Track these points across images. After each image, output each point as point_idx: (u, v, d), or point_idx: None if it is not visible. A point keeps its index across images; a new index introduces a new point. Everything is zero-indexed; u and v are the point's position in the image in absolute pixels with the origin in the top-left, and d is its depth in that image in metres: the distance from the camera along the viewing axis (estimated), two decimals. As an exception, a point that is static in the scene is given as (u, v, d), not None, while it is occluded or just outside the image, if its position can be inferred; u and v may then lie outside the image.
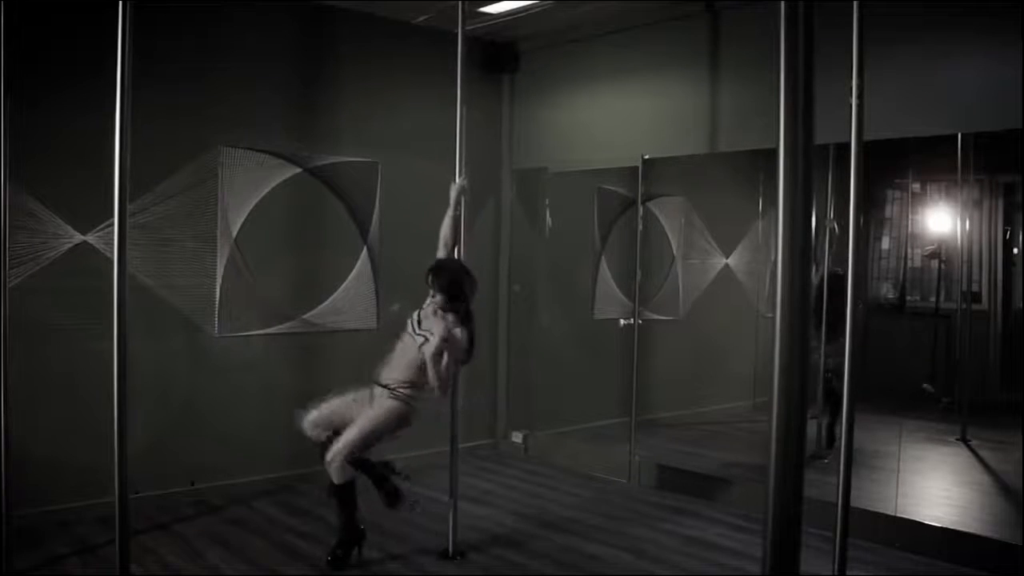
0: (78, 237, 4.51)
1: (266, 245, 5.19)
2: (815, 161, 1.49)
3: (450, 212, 4.09)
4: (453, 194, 4.11)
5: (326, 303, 5.46)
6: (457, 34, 4.14)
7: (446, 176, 4.19)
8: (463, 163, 4.16)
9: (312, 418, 3.99)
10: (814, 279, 5.39)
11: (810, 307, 1.53)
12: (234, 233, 5.08)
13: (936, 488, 5.13)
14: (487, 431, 6.47)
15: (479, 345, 4.04)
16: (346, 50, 5.54)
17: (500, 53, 6.26)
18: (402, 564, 4.04)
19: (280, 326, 5.27)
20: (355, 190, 5.57)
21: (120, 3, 2.68)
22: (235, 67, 5.07)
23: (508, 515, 4.82)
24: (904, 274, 5.97)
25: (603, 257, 6.54)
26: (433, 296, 3.90)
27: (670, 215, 6.61)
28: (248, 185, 5.12)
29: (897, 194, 6.01)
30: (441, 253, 4.08)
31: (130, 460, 2.77)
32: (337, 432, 3.92)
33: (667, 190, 6.39)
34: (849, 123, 3.03)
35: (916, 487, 4.99)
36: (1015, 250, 5.51)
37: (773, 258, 1.50)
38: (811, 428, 5.36)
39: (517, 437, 6.37)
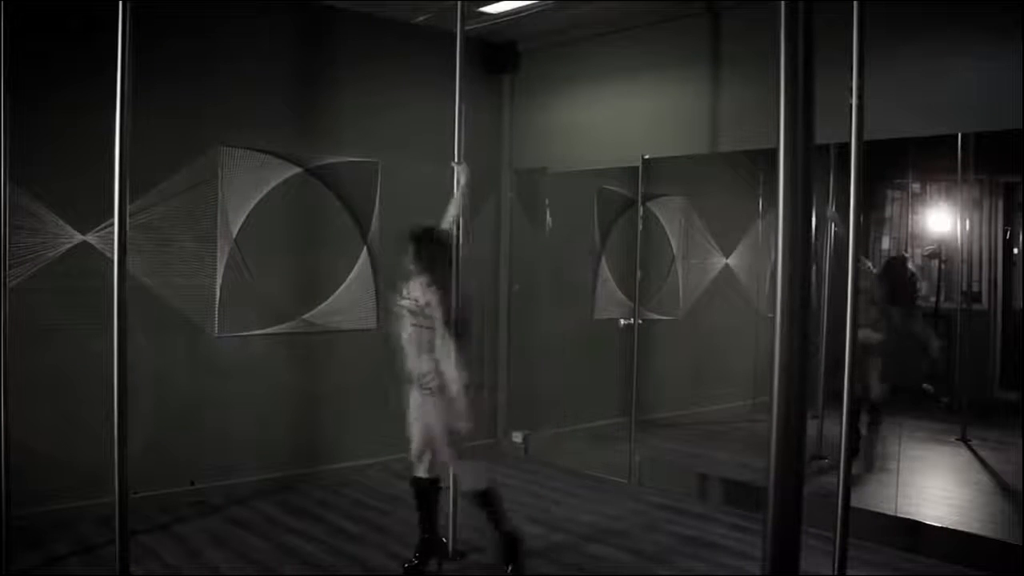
0: (78, 237, 4.51)
1: (266, 245, 5.19)
2: (815, 161, 1.49)
3: (459, 192, 3.98)
4: (463, 177, 4.02)
5: (326, 303, 5.46)
6: (457, 34, 4.14)
7: (446, 176, 4.18)
8: (461, 161, 4.15)
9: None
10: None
11: (810, 307, 1.52)
12: (234, 233, 5.07)
13: (936, 488, 5.13)
14: (487, 431, 6.46)
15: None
16: (346, 50, 5.54)
17: (500, 53, 6.26)
18: (402, 564, 4.03)
19: (280, 326, 5.27)
20: (355, 190, 5.57)
21: (120, 3, 2.68)
22: (235, 67, 5.07)
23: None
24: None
25: (603, 257, 6.54)
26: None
27: (670, 215, 6.60)
28: (248, 185, 5.12)
29: (897, 194, 6.01)
30: (445, 224, 3.92)
31: (130, 460, 2.78)
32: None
33: (667, 190, 6.39)
34: (849, 123, 3.03)
35: (916, 487, 4.98)
36: (1015, 250, 5.51)
37: (773, 258, 1.50)
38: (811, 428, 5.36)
39: (517, 437, 6.37)
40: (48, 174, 4.38)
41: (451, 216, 3.94)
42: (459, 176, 4.03)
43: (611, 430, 6.03)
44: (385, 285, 5.68)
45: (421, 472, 3.90)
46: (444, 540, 3.98)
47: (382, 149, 5.66)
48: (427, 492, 3.90)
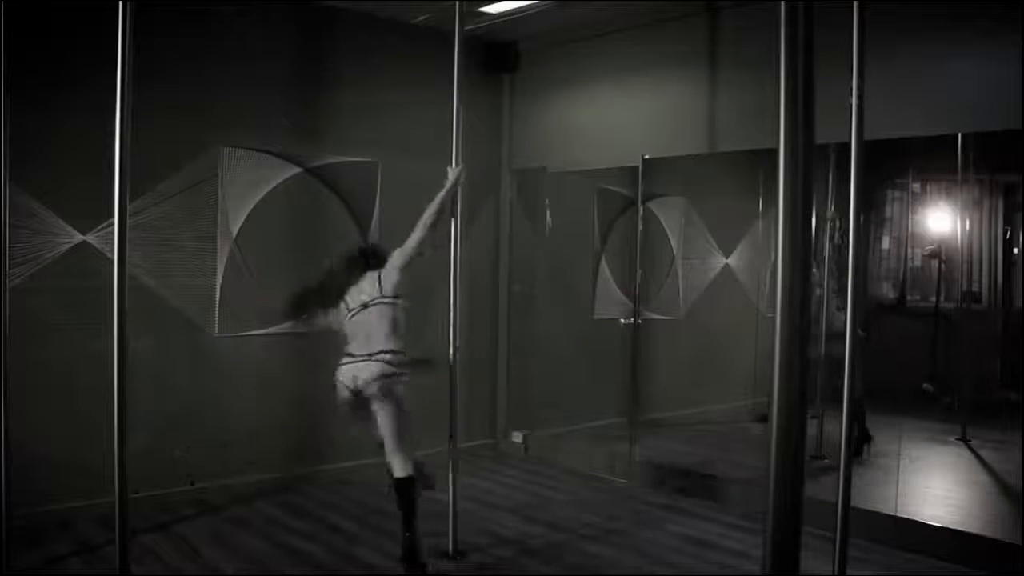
0: (78, 237, 4.51)
1: (266, 245, 5.19)
2: (815, 161, 1.49)
3: (444, 192, 4.05)
4: (452, 177, 4.09)
5: (326, 303, 5.45)
6: (455, 34, 4.14)
7: (446, 176, 4.18)
8: (460, 162, 4.16)
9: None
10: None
11: (810, 307, 1.53)
12: (234, 233, 5.07)
13: (936, 488, 5.13)
14: (487, 431, 6.47)
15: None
16: (346, 50, 5.54)
17: (500, 53, 6.26)
18: (402, 564, 4.03)
19: (280, 326, 5.27)
20: (355, 190, 5.57)
21: (120, 3, 2.68)
22: (235, 67, 5.06)
23: (508, 515, 4.82)
24: (904, 274, 5.97)
25: (603, 257, 6.54)
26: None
27: (670, 215, 6.61)
28: (248, 185, 5.12)
29: (897, 194, 6.01)
30: (418, 233, 3.98)
31: (130, 460, 2.78)
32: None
33: (667, 190, 6.39)
34: (849, 123, 3.03)
35: (916, 487, 4.99)
36: (1015, 250, 5.51)
37: (773, 258, 1.50)
38: (811, 428, 5.36)
39: (517, 437, 6.37)
40: (48, 174, 4.38)
41: (430, 213, 4.00)
42: (449, 175, 4.08)
43: (611, 430, 6.03)
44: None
45: (398, 471, 3.88)
46: (418, 546, 3.87)
47: (382, 149, 5.66)
48: (404, 491, 3.88)
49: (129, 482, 2.78)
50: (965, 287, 5.53)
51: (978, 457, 5.33)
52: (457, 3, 4.11)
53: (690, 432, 6.36)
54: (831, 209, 5.51)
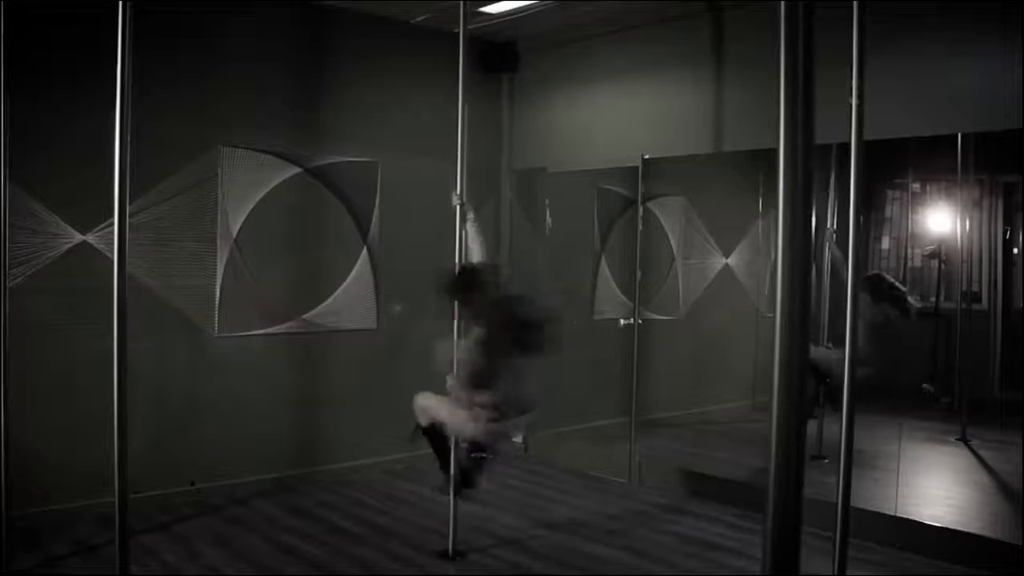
0: (78, 237, 4.51)
1: (266, 245, 5.19)
2: (815, 161, 1.49)
3: (469, 226, 4.12)
4: (455, 202, 4.11)
5: (326, 303, 5.46)
6: (457, 33, 4.14)
7: (446, 176, 4.18)
8: (464, 163, 4.15)
9: (422, 404, 4.00)
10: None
11: (810, 307, 1.52)
12: (234, 233, 5.08)
13: (936, 488, 5.13)
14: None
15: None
16: (346, 50, 5.54)
17: (500, 53, 6.26)
18: (402, 564, 4.04)
19: (280, 326, 5.27)
20: (355, 190, 5.57)
21: (120, 3, 2.68)
22: (235, 67, 5.07)
23: (508, 515, 4.82)
24: (904, 274, 5.97)
25: (603, 257, 6.54)
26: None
27: (670, 215, 6.60)
28: (248, 185, 5.12)
29: (897, 194, 6.01)
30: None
31: (130, 460, 2.77)
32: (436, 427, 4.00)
33: (667, 190, 6.39)
34: (849, 123, 3.03)
35: (916, 487, 4.98)
36: (1015, 250, 5.51)
37: (773, 258, 1.50)
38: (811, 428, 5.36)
39: (517, 437, 6.36)
40: (48, 174, 4.38)
41: (477, 254, 4.11)
42: (461, 212, 4.09)
43: (611, 430, 6.03)
44: (385, 285, 5.69)
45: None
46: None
47: (382, 149, 5.66)
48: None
49: (129, 482, 2.78)
50: (965, 287, 5.52)
51: (978, 457, 5.32)
52: (461, 3, 4.11)
53: (690, 432, 6.36)
54: (829, 214, 5.50)
